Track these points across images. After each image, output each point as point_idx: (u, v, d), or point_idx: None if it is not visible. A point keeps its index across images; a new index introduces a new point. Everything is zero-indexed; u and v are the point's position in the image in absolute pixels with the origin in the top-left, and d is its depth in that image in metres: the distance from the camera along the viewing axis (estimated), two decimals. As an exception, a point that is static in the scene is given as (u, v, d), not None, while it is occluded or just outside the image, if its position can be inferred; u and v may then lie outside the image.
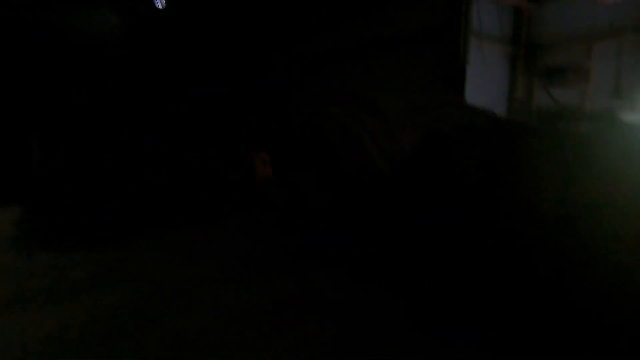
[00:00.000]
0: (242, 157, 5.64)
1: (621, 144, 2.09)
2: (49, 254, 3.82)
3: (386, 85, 7.02)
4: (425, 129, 3.20)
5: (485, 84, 7.61)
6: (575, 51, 7.54)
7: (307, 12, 8.89)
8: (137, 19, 12.57)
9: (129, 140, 5.25)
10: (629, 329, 1.72)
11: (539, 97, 8.31)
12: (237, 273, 3.30)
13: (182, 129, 6.31)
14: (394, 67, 7.39)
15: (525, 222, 2.04)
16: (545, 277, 1.96)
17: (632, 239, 1.75)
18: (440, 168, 2.41)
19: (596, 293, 1.80)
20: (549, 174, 2.02)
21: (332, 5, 8.45)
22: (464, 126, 2.83)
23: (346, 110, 3.70)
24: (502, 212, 2.11)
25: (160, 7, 12.38)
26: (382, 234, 2.91)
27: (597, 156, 2.04)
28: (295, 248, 3.81)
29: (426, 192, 2.40)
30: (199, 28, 11.03)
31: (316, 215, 3.82)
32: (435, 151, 2.48)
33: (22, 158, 5.87)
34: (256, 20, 10.29)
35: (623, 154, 2.00)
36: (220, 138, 6.24)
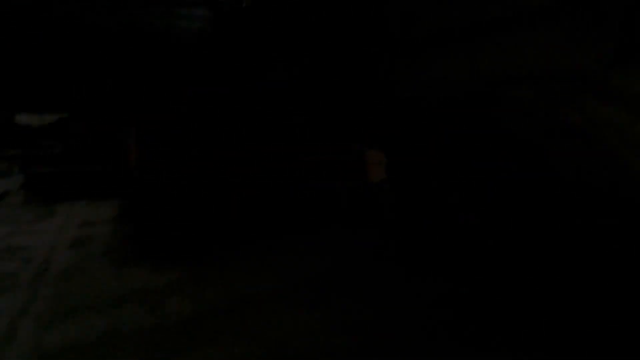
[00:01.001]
0: (353, 158, 4.63)
1: None
2: (142, 268, 3.22)
3: (537, 69, 5.39)
4: None
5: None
6: None
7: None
8: (224, 12, 12.36)
9: (227, 142, 4.61)
10: None
11: None
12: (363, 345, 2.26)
13: (279, 125, 5.50)
14: (539, 45, 5.73)
15: None
16: None
17: None
18: None
19: None
20: None
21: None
22: None
23: (553, 95, 2.41)
24: None
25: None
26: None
27: None
28: (443, 314, 2.65)
29: None
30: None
31: (491, 260, 2.64)
32: None
33: (123, 153, 5.62)
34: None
35: None
36: (323, 134, 5.32)
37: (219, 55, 11.16)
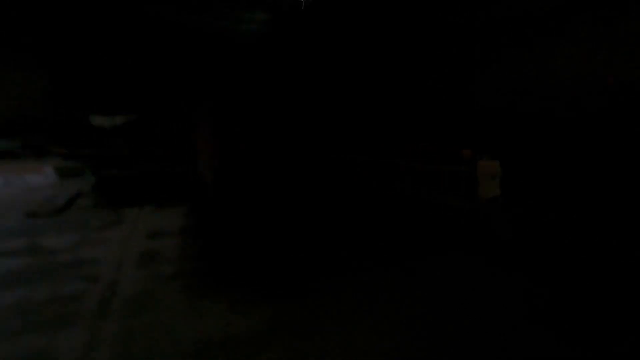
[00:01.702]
0: (463, 169, 3.74)
1: None
2: (220, 302, 2.62)
3: None
4: None
5: None
6: None
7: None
8: (282, 14, 11.88)
9: (313, 146, 3.98)
10: None
11: None
12: None
13: (368, 130, 4.74)
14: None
15: None
16: None
17: None
18: None
19: None
20: None
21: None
22: None
23: None
24: None
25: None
26: None
27: None
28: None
29: None
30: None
31: None
32: None
33: (191, 155, 5.23)
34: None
35: None
36: (427, 135, 4.48)
37: (281, 55, 10.53)
